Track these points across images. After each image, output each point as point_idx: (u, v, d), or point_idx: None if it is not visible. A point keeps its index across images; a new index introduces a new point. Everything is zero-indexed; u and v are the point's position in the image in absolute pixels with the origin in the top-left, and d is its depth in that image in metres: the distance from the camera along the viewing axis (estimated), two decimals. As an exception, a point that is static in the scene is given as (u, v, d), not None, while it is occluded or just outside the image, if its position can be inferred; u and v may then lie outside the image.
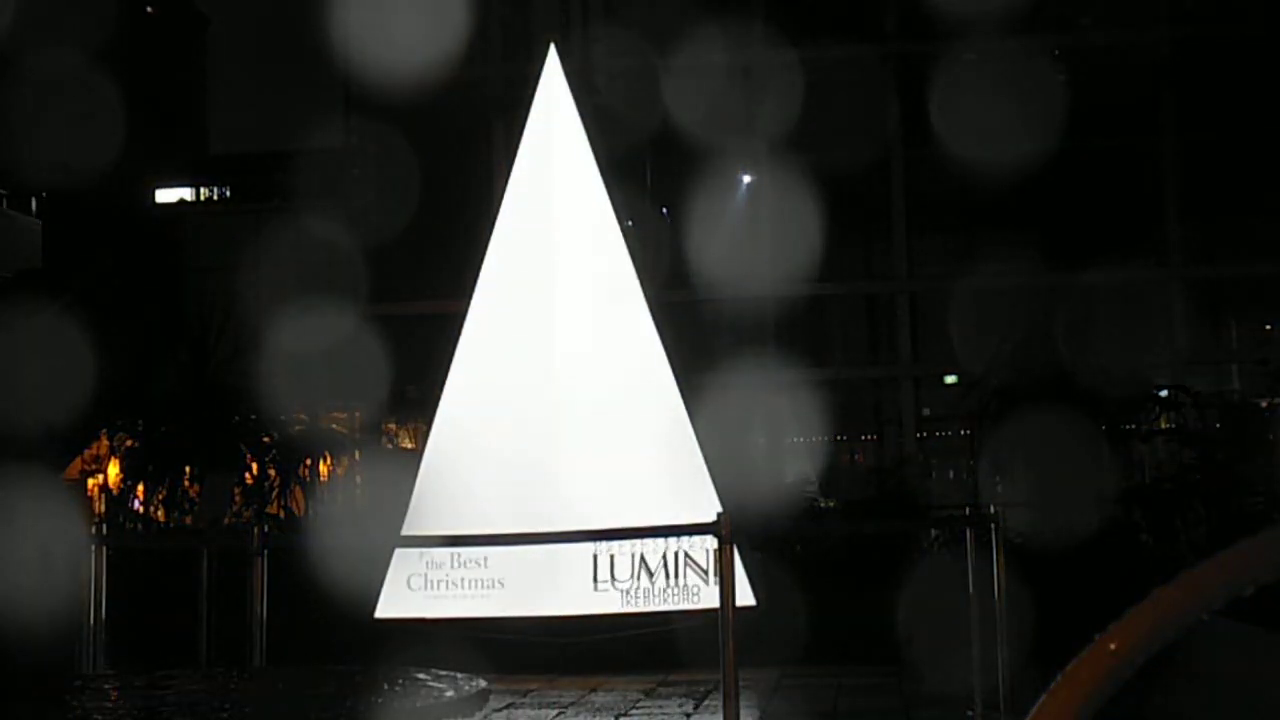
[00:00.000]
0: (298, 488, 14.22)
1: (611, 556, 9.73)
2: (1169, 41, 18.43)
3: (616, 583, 9.79)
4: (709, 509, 9.13)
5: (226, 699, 5.42)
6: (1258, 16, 17.28)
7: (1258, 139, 17.95)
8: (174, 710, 4.95)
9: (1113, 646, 0.75)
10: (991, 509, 8.58)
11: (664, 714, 7.19)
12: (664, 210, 19.08)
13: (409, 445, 17.29)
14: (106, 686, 6.49)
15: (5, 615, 9.28)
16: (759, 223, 18.69)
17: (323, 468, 15.21)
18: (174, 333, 16.29)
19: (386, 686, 4.90)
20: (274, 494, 13.90)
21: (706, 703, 7.38)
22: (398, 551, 10.03)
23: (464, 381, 10.77)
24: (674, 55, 17.79)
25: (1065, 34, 18.22)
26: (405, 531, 10.14)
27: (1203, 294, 18.32)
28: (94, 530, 11.38)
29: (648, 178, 18.17)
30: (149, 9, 57.05)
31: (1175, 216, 18.23)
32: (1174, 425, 13.27)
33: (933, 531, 10.27)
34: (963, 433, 16.11)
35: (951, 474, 17.19)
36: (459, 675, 4.90)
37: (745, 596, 8.31)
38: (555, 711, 7.32)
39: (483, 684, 4.69)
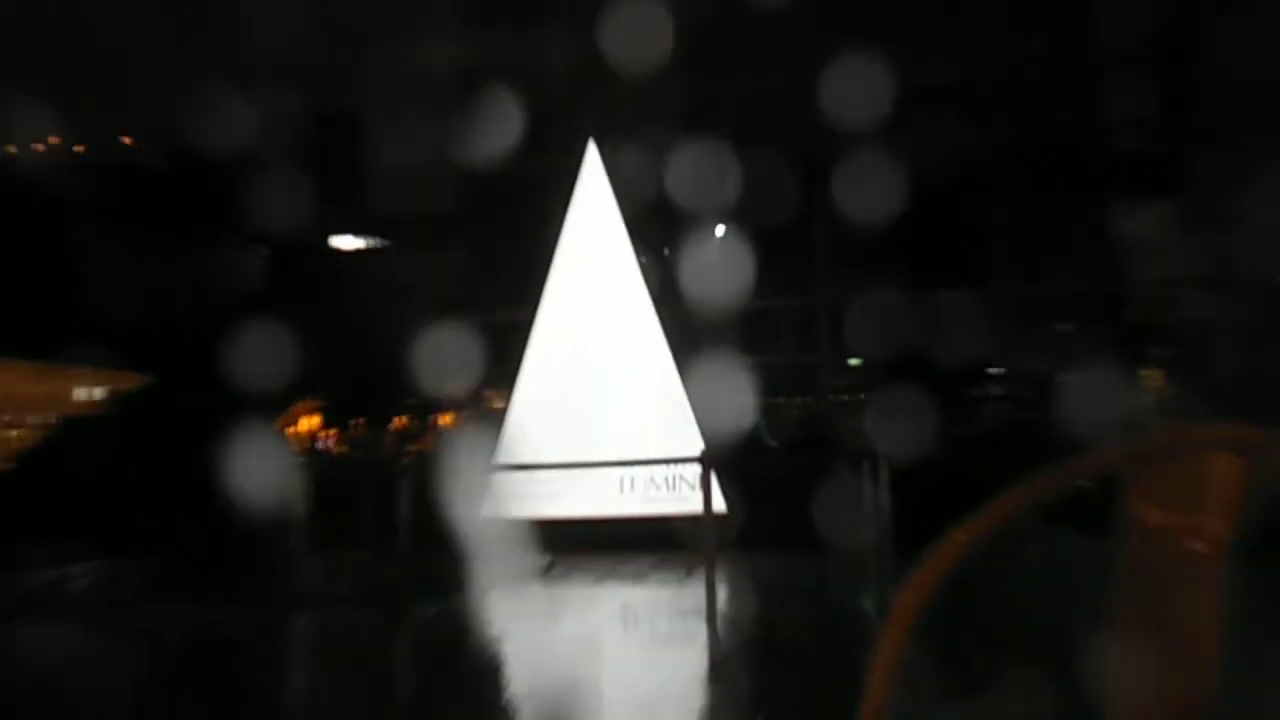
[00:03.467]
0: (428, 433, 14.25)
1: (633, 478, 9.77)
2: (1005, 143, 18.30)
3: (636, 494, 9.82)
4: (696, 447, 9.19)
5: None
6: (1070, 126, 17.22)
7: (1061, 216, 17.94)
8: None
9: (962, 537, 0.77)
10: (879, 448, 8.60)
11: (666, 579, 7.21)
12: (665, 250, 18.97)
13: (499, 405, 17.20)
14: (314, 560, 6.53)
15: (259, 510, 9.39)
16: (728, 261, 18.59)
17: (445, 419, 15.21)
18: (346, 331, 16.32)
19: (491, 553, 4.92)
20: (413, 438, 13.94)
21: (694, 573, 7.41)
22: (494, 474, 10.08)
23: (534, 364, 10.80)
24: (671, 154, 17.76)
25: (922, 135, 18.08)
26: (499, 461, 10.18)
27: (1021, 307, 18.19)
28: (300, 459, 11.49)
29: (655, 226, 18.07)
30: (328, 121, 56.84)
31: (1004, 255, 18.13)
32: (1000, 393, 13.23)
33: (841, 462, 10.27)
34: (861, 398, 16.06)
35: (854, 424, 17.10)
36: (536, 551, 4.94)
37: (719, 506, 8.33)
38: (596, 577, 7.33)
39: (550, 558, 4.71)
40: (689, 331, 18.42)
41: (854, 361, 18.09)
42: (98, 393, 19.53)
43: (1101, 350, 9.26)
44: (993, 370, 14.47)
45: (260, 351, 14.21)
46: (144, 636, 5.55)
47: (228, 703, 4.05)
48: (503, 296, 19.26)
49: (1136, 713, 0.79)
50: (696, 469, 8.11)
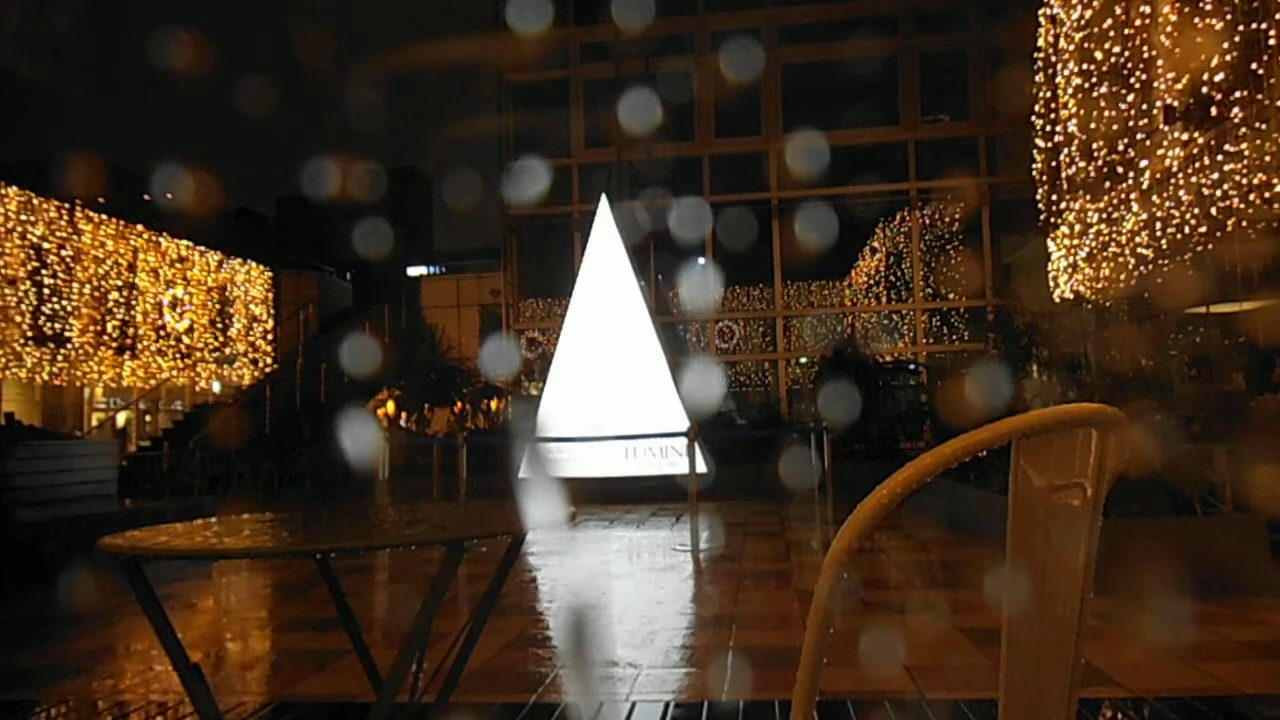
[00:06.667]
0: (480, 414, 14.23)
1: (635, 447, 9.76)
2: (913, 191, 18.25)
3: (638, 459, 9.82)
4: (683, 424, 9.19)
5: (445, 514, 5.41)
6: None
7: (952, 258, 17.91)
8: (414, 518, 4.95)
9: (884, 494, 0.75)
10: (823, 424, 8.59)
11: (661, 523, 7.21)
12: (659, 276, 18.96)
13: (534, 392, 17.24)
14: (384, 509, 6.48)
15: (348, 467, 9.45)
16: (708, 283, 18.58)
17: (494, 404, 15.19)
18: (418, 338, 16.31)
19: (521, 506, 4.90)
20: (469, 418, 13.93)
21: (683, 518, 7.42)
22: (530, 445, 10.08)
23: (561, 361, 10.80)
24: (665, 201, 17.78)
25: (845, 188, 18.10)
26: (536, 435, 10.18)
27: (932, 316, 18.19)
28: (385, 433, 11.47)
29: (651, 260, 18.05)
30: (403, 179, 56.93)
31: (920, 279, 18.11)
32: (916, 382, 13.18)
33: (794, 435, 10.26)
34: (809, 386, 16.02)
35: (802, 406, 17.09)
36: (560, 502, 4.93)
37: (702, 467, 8.33)
38: (608, 522, 7.33)
39: (571, 508, 4.70)
40: (677, 337, 18.42)
41: (804, 360, 18.12)
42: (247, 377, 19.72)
43: (995, 349, 9.20)
44: (911, 365, 14.43)
45: (354, 352, 14.29)
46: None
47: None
48: (538, 311, 19.30)
49: (1027, 623, 0.78)
50: (684, 440, 8.11)
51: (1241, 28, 7.79)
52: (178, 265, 18.69)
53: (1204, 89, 8.20)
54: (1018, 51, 13.43)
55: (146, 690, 2.67)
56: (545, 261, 19.07)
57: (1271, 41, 7.44)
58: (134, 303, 17.34)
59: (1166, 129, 8.91)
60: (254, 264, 21.08)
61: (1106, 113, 10.07)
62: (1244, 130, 7.66)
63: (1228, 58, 7.94)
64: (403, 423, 14.53)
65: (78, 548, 4.86)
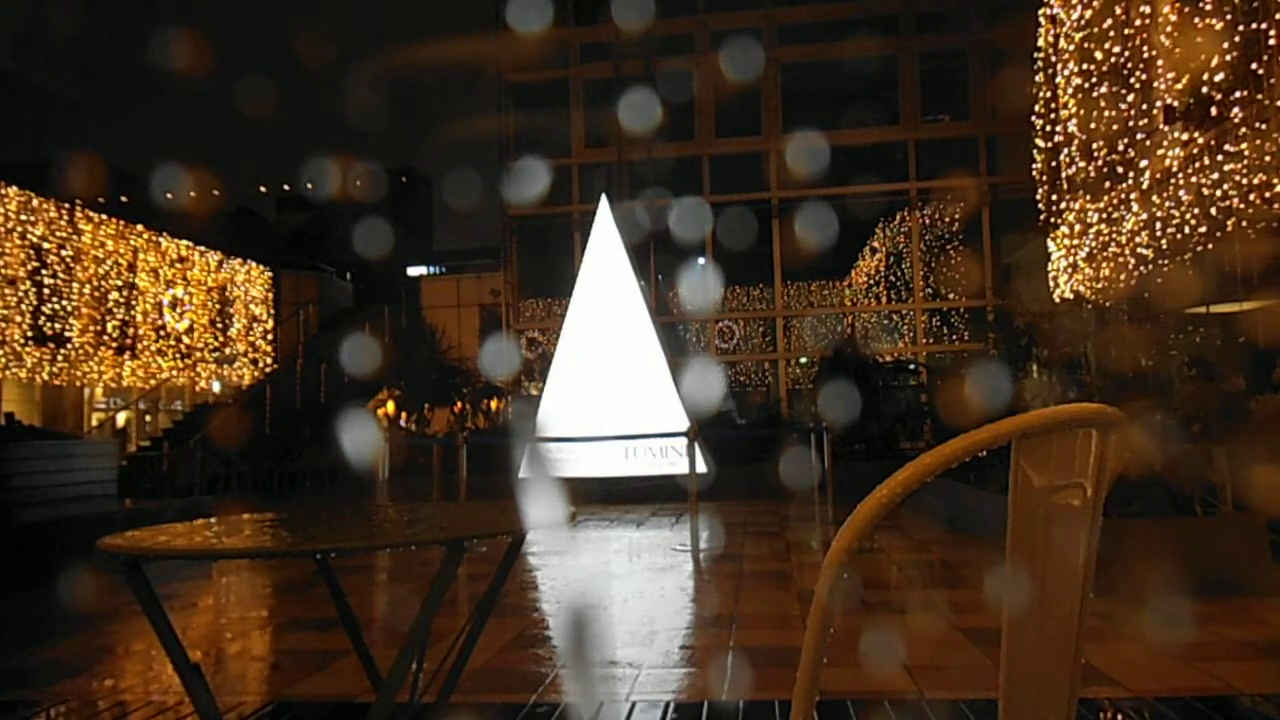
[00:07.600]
0: (481, 414, 14.20)
1: (635, 447, 9.75)
2: (914, 192, 18.23)
3: (638, 459, 9.81)
4: (683, 424, 9.18)
5: (445, 514, 5.40)
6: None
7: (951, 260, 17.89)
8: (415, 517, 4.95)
9: (883, 494, 0.75)
10: (823, 424, 8.58)
11: (661, 523, 7.20)
12: (659, 276, 18.93)
13: (534, 392, 17.20)
14: (384, 509, 6.47)
15: (348, 467, 9.46)
16: (708, 283, 18.55)
17: (494, 404, 15.16)
18: (418, 338, 16.27)
19: (521, 506, 4.90)
20: (469, 418, 13.90)
21: (683, 518, 7.40)
22: (530, 445, 10.06)
23: (561, 361, 10.79)
24: (665, 201, 17.74)
25: (845, 188, 18.06)
26: (536, 435, 10.17)
27: (932, 316, 18.15)
28: (385, 433, 11.47)
29: (651, 260, 18.02)
30: (403, 179, 56.91)
31: (920, 279, 18.08)
32: (916, 382, 13.15)
33: (794, 435, 10.24)
34: (809, 386, 15.98)
35: (802, 406, 17.05)
36: (560, 502, 4.93)
37: (702, 467, 8.32)
38: (608, 522, 7.33)
39: (571, 508, 4.69)
40: (677, 336, 18.41)
41: (804, 360, 18.10)
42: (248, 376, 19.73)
43: (995, 349, 9.21)
44: (911, 365, 14.41)
45: (354, 352, 14.28)
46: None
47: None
48: (538, 311, 19.29)
49: (1027, 623, 0.78)
50: (684, 440, 8.11)
51: (1241, 28, 7.79)
52: (178, 265, 18.69)
53: (1204, 89, 8.20)
54: (1018, 51, 13.42)
55: (146, 690, 2.67)
56: (545, 261, 19.04)
57: (1271, 41, 7.43)
58: (134, 303, 17.33)
59: (1166, 129, 8.91)
60: (254, 264, 21.07)
61: (1106, 113, 10.07)
62: (1244, 130, 7.66)
63: (1228, 58, 7.93)
64: (403, 423, 14.50)
65: (78, 548, 4.85)
